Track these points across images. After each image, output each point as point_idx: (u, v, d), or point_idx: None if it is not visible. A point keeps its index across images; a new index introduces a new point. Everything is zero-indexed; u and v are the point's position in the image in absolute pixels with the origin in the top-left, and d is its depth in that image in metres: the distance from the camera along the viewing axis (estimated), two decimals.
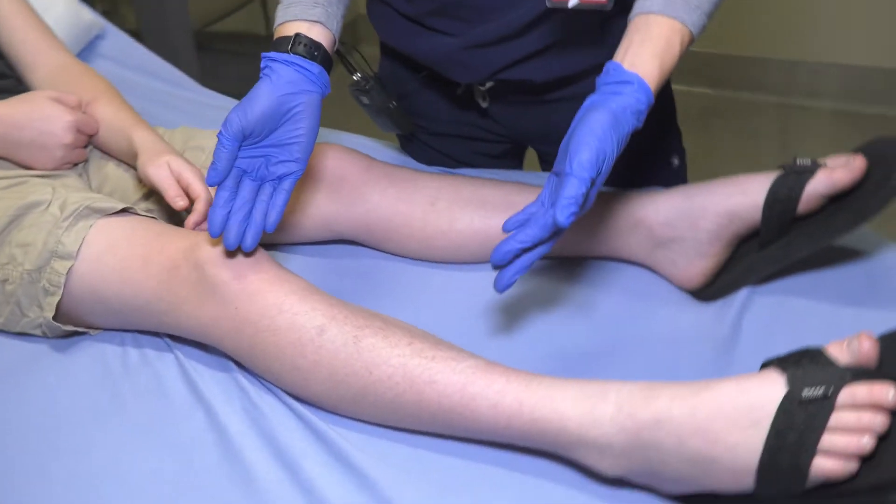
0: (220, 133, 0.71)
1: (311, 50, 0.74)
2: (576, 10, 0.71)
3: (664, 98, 1.00)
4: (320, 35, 0.76)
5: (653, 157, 1.01)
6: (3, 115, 0.87)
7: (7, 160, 0.89)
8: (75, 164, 0.92)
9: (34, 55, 0.99)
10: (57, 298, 0.74)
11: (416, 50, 0.92)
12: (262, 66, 0.74)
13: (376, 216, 0.87)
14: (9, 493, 0.64)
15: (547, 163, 1.09)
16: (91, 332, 0.79)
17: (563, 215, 0.62)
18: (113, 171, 0.94)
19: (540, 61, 0.87)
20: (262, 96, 0.72)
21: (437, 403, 0.63)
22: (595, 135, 0.64)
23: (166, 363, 0.76)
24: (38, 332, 0.78)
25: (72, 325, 0.77)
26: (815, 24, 2.47)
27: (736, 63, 2.61)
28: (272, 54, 0.74)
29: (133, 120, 0.92)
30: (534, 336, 0.78)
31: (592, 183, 0.64)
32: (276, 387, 0.71)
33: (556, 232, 0.67)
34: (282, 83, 0.72)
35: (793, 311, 0.78)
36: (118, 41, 1.34)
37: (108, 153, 0.95)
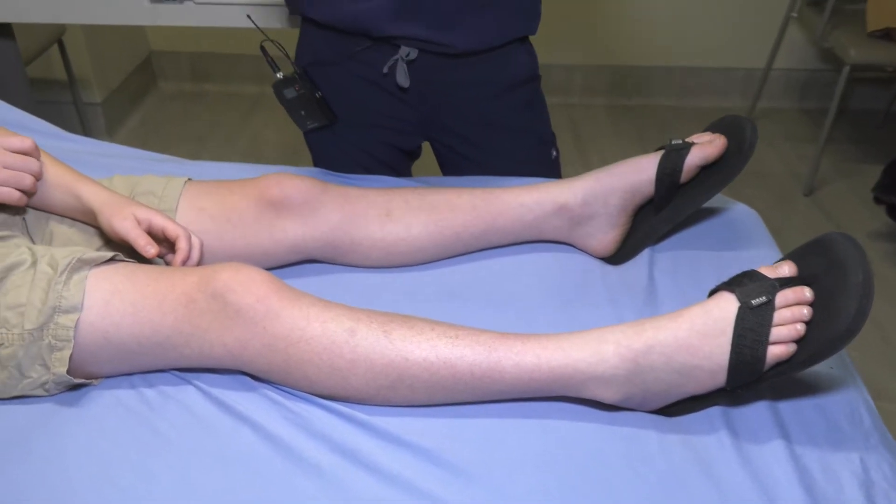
0: None
1: None
2: None
3: (540, 102, 1.20)
4: None
5: (539, 149, 1.22)
6: None
7: None
8: (13, 212, 0.91)
9: None
10: (68, 352, 0.75)
11: (354, 17, 1.01)
12: None
13: (341, 233, 0.96)
14: None
15: (445, 160, 1.24)
16: (94, 382, 0.80)
17: None
18: (56, 227, 0.93)
19: (464, 28, 1.01)
20: None
21: (469, 374, 0.76)
22: None
23: (188, 394, 0.79)
24: (39, 391, 0.78)
25: (79, 377, 0.78)
26: (585, 31, 2.86)
27: None
28: None
29: (74, 176, 0.92)
30: (508, 313, 0.92)
31: None
32: (309, 393, 0.79)
33: None
34: None
35: (686, 259, 1.00)
36: None
37: (48, 211, 0.93)
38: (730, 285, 0.75)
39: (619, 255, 1.02)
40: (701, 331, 0.73)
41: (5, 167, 0.85)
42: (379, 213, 0.97)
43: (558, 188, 1.00)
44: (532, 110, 1.19)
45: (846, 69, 2.27)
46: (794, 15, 2.63)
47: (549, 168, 1.23)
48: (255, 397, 0.79)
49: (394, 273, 0.99)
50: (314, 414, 0.77)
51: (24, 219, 0.93)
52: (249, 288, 0.76)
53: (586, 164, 2.57)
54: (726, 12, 2.79)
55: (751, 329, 0.71)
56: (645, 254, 1.01)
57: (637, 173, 0.97)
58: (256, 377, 0.81)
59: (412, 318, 0.79)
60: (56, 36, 2.22)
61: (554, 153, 1.23)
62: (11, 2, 1.35)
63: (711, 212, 1.09)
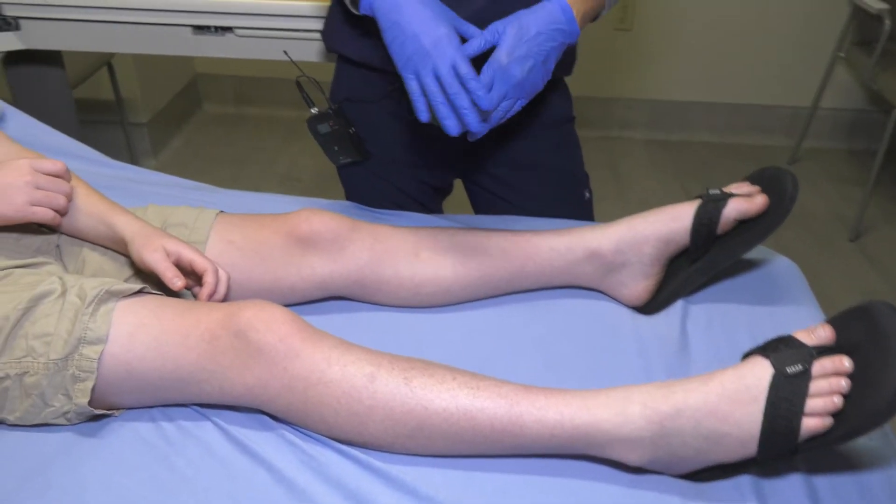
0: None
1: None
2: None
3: (573, 144, 1.19)
4: None
5: (572, 190, 1.20)
6: None
7: None
8: (46, 231, 0.93)
9: None
10: (90, 384, 0.76)
11: (389, 57, 1.00)
12: None
13: (369, 271, 0.95)
14: None
15: (477, 198, 1.23)
16: (115, 413, 0.80)
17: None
18: (89, 254, 0.95)
19: None
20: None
21: (489, 427, 0.74)
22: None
23: (207, 431, 0.79)
24: (61, 420, 0.78)
25: (100, 408, 0.78)
26: (625, 64, 2.85)
27: None
28: None
29: (107, 204, 0.93)
30: (533, 360, 0.90)
31: None
32: (327, 436, 0.78)
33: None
34: None
35: (721, 313, 0.98)
36: (21, 122, 1.29)
37: (82, 238, 0.95)
38: (764, 350, 0.72)
39: (651, 305, 0.99)
40: (732, 397, 0.70)
41: (38, 188, 0.87)
42: (408, 253, 0.96)
43: (591, 234, 0.98)
44: (565, 151, 1.17)
45: (895, 112, 2.21)
46: (842, 55, 2.58)
47: (582, 209, 1.21)
48: (273, 438, 0.78)
49: (421, 313, 0.98)
50: (330, 458, 0.76)
51: (58, 245, 0.95)
52: (272, 327, 0.76)
53: (623, 200, 2.54)
54: (772, 49, 2.75)
55: (785, 399, 0.68)
56: (678, 305, 0.98)
57: (672, 222, 0.95)
58: (275, 417, 0.80)
59: (434, 365, 0.78)
60: (106, 59, 2.28)
61: (587, 194, 1.22)
62: (62, 31, 1.39)
63: (750, 264, 1.06)
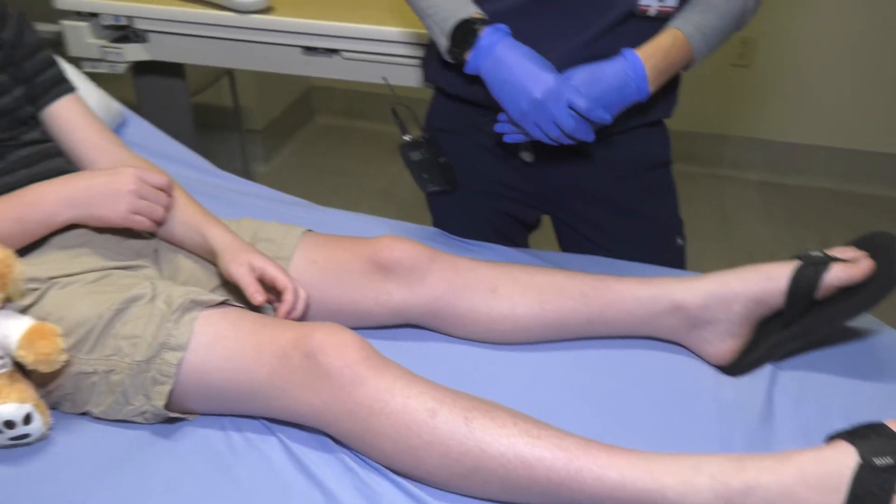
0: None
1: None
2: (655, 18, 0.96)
3: (667, 189, 1.15)
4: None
5: (663, 236, 1.16)
6: (84, 173, 0.95)
7: (81, 224, 0.94)
8: (147, 236, 0.98)
9: (97, 153, 1.03)
10: (168, 388, 0.79)
11: (483, 92, 1.00)
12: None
13: (444, 303, 0.95)
14: None
15: (564, 236, 1.21)
16: (189, 417, 0.84)
17: None
18: (184, 261, 0.99)
19: None
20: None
21: (546, 478, 0.72)
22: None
23: (271, 446, 0.81)
24: (139, 419, 0.82)
25: (175, 411, 0.82)
26: (741, 102, 2.74)
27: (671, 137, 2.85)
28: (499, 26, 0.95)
29: (203, 216, 0.98)
30: (601, 412, 0.87)
31: None
32: (384, 466, 0.78)
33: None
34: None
35: (813, 384, 0.91)
36: (141, 129, 1.38)
37: (177, 245, 1.00)
38: (852, 436, 0.67)
39: (736, 367, 0.94)
40: (811, 483, 0.65)
41: (141, 198, 0.93)
42: (485, 288, 0.96)
43: (677, 286, 0.94)
44: (658, 197, 1.13)
45: None
46: None
47: (673, 256, 1.17)
48: (333, 461, 0.79)
49: (492, 350, 0.97)
50: (384, 488, 0.76)
51: (156, 249, 1.00)
52: (341, 351, 0.77)
53: (726, 242, 2.44)
54: None
55: (871, 493, 0.63)
56: (766, 370, 0.93)
57: (767, 282, 0.90)
58: (338, 440, 0.81)
59: (496, 408, 0.76)
60: (227, 68, 2.40)
61: (679, 241, 1.17)
62: (185, 45, 1.48)
63: (851, 333, 0.98)
